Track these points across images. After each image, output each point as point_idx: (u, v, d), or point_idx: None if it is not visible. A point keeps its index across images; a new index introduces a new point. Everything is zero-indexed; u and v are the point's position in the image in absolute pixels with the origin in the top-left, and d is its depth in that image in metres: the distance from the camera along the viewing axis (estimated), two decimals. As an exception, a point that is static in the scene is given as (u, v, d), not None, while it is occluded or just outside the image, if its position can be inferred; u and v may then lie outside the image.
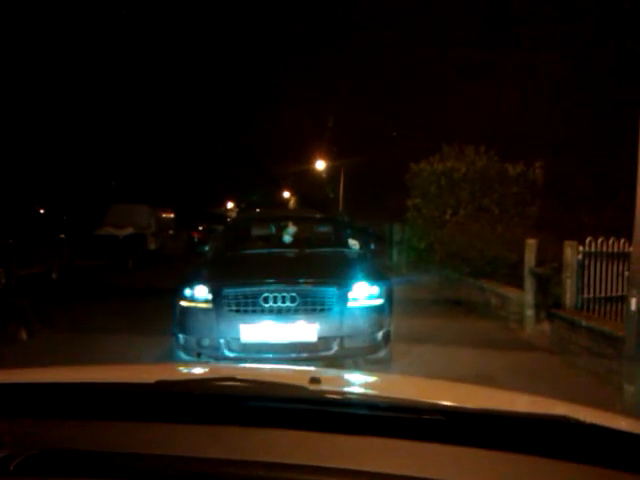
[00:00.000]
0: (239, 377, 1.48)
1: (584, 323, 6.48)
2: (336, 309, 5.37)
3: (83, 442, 1.27)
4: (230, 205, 50.93)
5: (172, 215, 24.91)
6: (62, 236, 15.89)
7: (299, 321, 5.31)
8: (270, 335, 5.31)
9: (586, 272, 7.15)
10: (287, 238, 7.36)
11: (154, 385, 1.45)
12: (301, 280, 5.60)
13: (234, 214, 35.18)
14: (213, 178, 42.44)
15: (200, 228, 30.02)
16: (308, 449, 1.24)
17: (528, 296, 8.26)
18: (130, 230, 20.03)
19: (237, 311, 5.40)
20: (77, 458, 1.21)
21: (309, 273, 5.78)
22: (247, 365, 3.67)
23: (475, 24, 16.86)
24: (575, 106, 13.24)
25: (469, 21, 17.14)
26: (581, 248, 7.15)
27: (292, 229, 7.52)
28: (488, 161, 12.07)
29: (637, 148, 4.85)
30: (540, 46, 14.23)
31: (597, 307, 7.18)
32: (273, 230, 7.79)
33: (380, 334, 5.48)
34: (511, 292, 8.89)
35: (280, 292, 5.39)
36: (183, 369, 2.55)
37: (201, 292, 5.56)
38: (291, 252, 6.83)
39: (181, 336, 5.56)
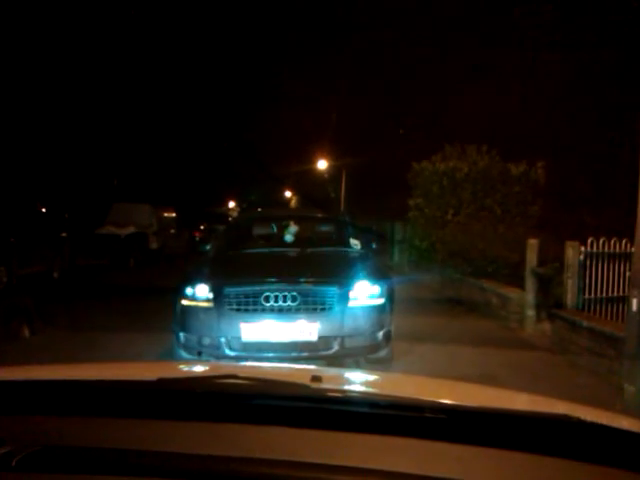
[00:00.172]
0: (240, 375, 1.48)
1: (585, 323, 6.48)
2: (337, 308, 5.38)
3: (85, 439, 1.27)
4: (231, 204, 50.94)
5: (173, 214, 24.93)
6: (63, 235, 15.90)
7: (300, 320, 5.31)
8: (271, 334, 5.31)
9: (587, 272, 7.15)
10: (288, 237, 7.36)
11: (155, 382, 1.45)
12: (302, 279, 5.61)
13: (235, 213, 35.18)
14: (214, 177, 42.47)
15: (201, 227, 30.03)
16: (309, 447, 1.24)
17: (529, 296, 8.26)
18: (132, 229, 20.05)
19: (238, 310, 5.40)
20: (78, 455, 1.21)
21: (310, 272, 5.78)
22: (248, 363, 3.68)
23: (476, 24, 16.85)
24: (577, 107, 13.23)
25: (470, 21, 17.13)
26: (583, 248, 7.15)
27: (293, 228, 7.52)
28: (490, 161, 12.07)
29: (638, 149, 4.85)
30: (542, 47, 14.21)
31: (598, 307, 7.18)
32: (274, 229, 7.79)
33: (381, 333, 5.48)
34: (512, 292, 8.90)
35: (281, 291, 5.39)
36: (184, 367, 2.56)
37: (202, 291, 5.56)
38: (292, 251, 6.83)
39: (182, 335, 5.56)
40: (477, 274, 10.67)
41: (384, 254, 17.22)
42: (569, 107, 13.47)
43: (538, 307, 8.17)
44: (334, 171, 31.67)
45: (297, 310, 5.36)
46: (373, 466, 1.16)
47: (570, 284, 7.12)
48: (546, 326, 7.82)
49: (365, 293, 5.52)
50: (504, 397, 1.79)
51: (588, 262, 7.16)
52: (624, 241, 7.19)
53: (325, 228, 7.86)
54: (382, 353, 5.57)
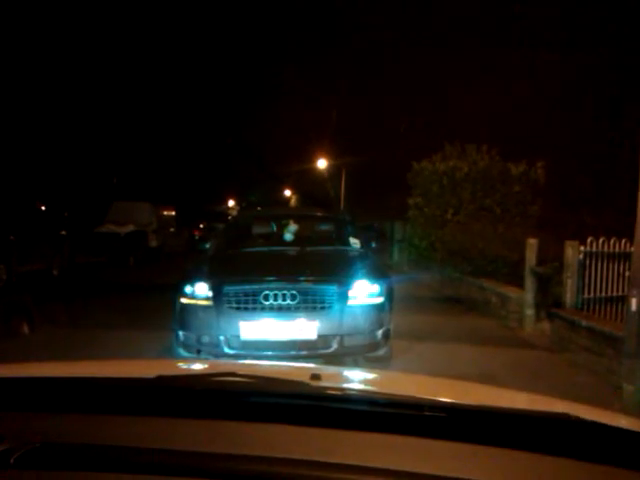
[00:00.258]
0: (239, 373, 1.48)
1: (584, 323, 6.48)
2: (336, 307, 5.38)
3: (83, 436, 1.27)
4: (231, 203, 50.96)
5: (173, 213, 24.94)
6: (63, 233, 15.90)
7: (299, 319, 5.31)
8: (270, 333, 5.31)
9: (587, 272, 7.15)
10: (288, 236, 7.36)
11: (154, 380, 1.45)
12: (301, 278, 5.60)
13: (235, 212, 35.20)
14: (214, 176, 42.48)
15: (201, 226, 30.05)
16: (308, 444, 1.24)
17: (528, 295, 8.27)
18: (131, 227, 20.06)
19: (237, 308, 5.40)
20: (77, 452, 1.21)
21: (310, 271, 5.78)
22: (247, 362, 3.67)
23: (476, 24, 16.85)
24: (577, 106, 13.24)
25: (470, 21, 17.13)
26: (582, 248, 7.15)
27: (293, 227, 7.52)
28: (490, 161, 12.07)
29: (638, 148, 4.85)
30: (542, 46, 14.22)
31: (597, 307, 7.18)
32: (274, 228, 7.79)
33: (380, 332, 5.48)
34: (512, 291, 8.90)
35: (280, 290, 5.39)
36: (183, 365, 2.56)
37: (201, 289, 5.56)
38: (292, 250, 6.83)
39: (181, 333, 5.56)
40: (476, 273, 10.67)
41: (384, 253, 17.23)
42: (569, 107, 13.48)
43: (537, 306, 8.17)
44: (334, 170, 31.67)
45: (296, 309, 5.36)
46: (372, 464, 1.16)
47: (569, 283, 7.12)
48: (545, 325, 7.83)
49: (364, 292, 5.52)
50: (503, 396, 1.79)
51: (587, 262, 7.16)
52: (623, 241, 7.19)
53: (325, 227, 7.86)
54: (381, 352, 5.57)
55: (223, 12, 29.58)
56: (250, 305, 5.39)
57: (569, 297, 7.12)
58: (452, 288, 11.76)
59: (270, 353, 5.34)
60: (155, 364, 2.39)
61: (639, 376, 4.76)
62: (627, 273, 6.61)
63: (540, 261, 8.35)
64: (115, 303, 9.76)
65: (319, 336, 5.28)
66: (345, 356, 5.52)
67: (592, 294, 7.18)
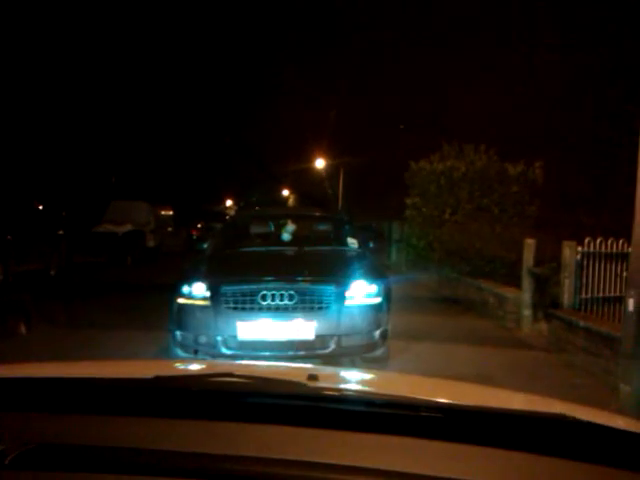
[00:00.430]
0: (237, 373, 1.48)
1: (581, 323, 6.49)
2: (334, 307, 5.37)
3: (80, 436, 1.27)
4: (229, 203, 50.94)
5: (171, 212, 24.94)
6: (61, 232, 15.88)
7: (297, 319, 5.30)
8: (267, 333, 5.31)
9: (584, 272, 7.16)
10: (286, 236, 7.36)
11: (152, 380, 1.45)
12: (299, 278, 5.60)
13: (233, 212, 35.17)
14: (212, 176, 42.47)
15: (199, 226, 30.03)
16: (305, 445, 1.24)
17: (526, 296, 8.27)
18: (129, 227, 20.04)
19: (235, 309, 5.39)
20: (73, 452, 1.21)
21: (307, 271, 5.78)
22: (244, 362, 3.67)
23: (475, 24, 16.86)
24: (575, 107, 13.25)
25: (469, 21, 17.15)
26: (580, 248, 7.16)
27: (291, 227, 7.52)
28: (488, 161, 12.08)
29: (637, 149, 4.85)
30: (541, 46, 14.24)
31: (595, 307, 7.19)
32: (272, 228, 7.79)
33: (378, 332, 5.48)
34: (509, 291, 8.91)
35: (278, 290, 5.39)
36: (180, 365, 2.56)
37: (199, 289, 5.55)
38: (290, 250, 6.83)
39: (178, 333, 5.55)
40: (474, 273, 10.68)
41: (382, 253, 17.24)
42: (567, 107, 13.50)
43: (535, 307, 8.18)
44: (332, 170, 31.68)
45: (294, 309, 5.35)
46: (369, 465, 1.16)
47: (567, 284, 7.13)
48: (543, 326, 7.84)
49: (362, 292, 5.52)
50: (500, 396, 1.79)
51: (585, 262, 7.17)
52: (621, 241, 7.20)
53: (323, 227, 7.86)
54: (378, 352, 5.57)
55: (223, 12, 29.57)
56: (248, 305, 5.39)
57: (566, 297, 7.12)
58: (450, 288, 11.77)
59: (267, 353, 5.33)
60: (152, 364, 2.39)
61: (636, 377, 4.76)
62: (624, 273, 6.62)
63: (538, 261, 8.36)
64: (112, 303, 9.75)
65: (317, 336, 5.27)
66: (342, 356, 5.51)
67: (589, 294, 7.19)
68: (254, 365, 2.68)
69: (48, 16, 23.20)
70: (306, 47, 25.15)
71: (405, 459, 1.19)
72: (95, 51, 25.06)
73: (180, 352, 5.55)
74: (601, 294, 7.26)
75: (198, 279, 5.67)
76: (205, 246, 7.33)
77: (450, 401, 1.44)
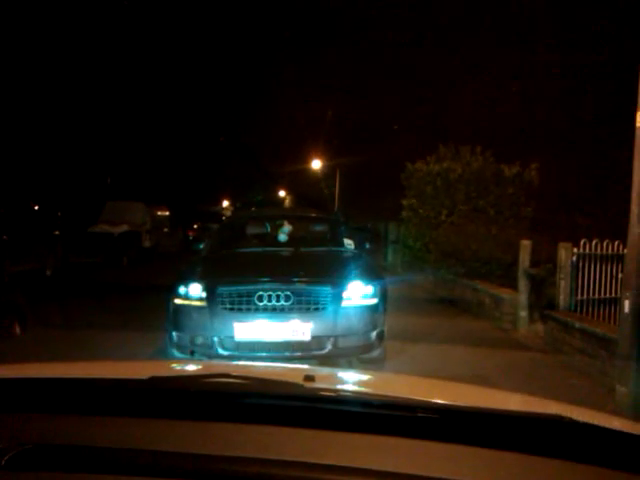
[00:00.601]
0: (233, 374, 1.47)
1: (577, 324, 6.50)
2: (330, 308, 5.37)
3: (77, 437, 1.27)
4: (225, 203, 50.93)
5: (167, 213, 24.92)
6: (56, 233, 15.85)
7: (293, 320, 5.30)
8: (264, 334, 5.30)
9: (580, 274, 7.18)
10: (282, 237, 7.36)
11: (148, 381, 1.44)
12: (296, 279, 5.60)
13: (229, 212, 35.14)
14: (209, 176, 42.44)
15: (195, 226, 30.01)
16: (302, 446, 1.24)
17: (522, 297, 8.29)
18: (125, 227, 20.01)
19: (231, 309, 5.39)
20: (70, 453, 1.21)
21: (304, 272, 5.78)
22: (241, 363, 3.67)
23: (473, 25, 16.89)
24: (571, 108, 13.28)
25: (467, 22, 17.18)
26: (575, 250, 7.17)
27: (287, 228, 7.51)
28: (484, 162, 12.10)
29: (633, 150, 4.87)
30: (538, 47, 14.27)
31: (591, 309, 7.21)
32: (268, 229, 7.79)
33: (374, 333, 5.48)
34: (505, 293, 8.92)
35: (274, 291, 5.38)
36: (177, 366, 2.55)
37: (195, 290, 5.55)
38: (286, 251, 6.83)
39: (174, 334, 5.54)
40: (470, 275, 10.69)
41: (378, 254, 17.25)
42: (564, 107, 13.52)
43: (531, 308, 8.20)
44: (328, 171, 31.69)
45: (290, 310, 5.35)
46: (365, 465, 1.16)
47: (563, 285, 7.15)
48: (539, 327, 7.85)
49: (358, 293, 5.52)
50: (497, 397, 1.79)
51: (581, 263, 7.18)
52: (616, 243, 7.22)
53: (319, 228, 7.86)
54: (375, 353, 5.57)
55: (219, 12, 29.55)
56: (244, 306, 5.38)
57: (562, 299, 7.14)
58: (446, 289, 11.78)
59: (264, 354, 5.33)
60: (149, 365, 2.38)
61: (632, 378, 4.77)
62: (620, 275, 6.64)
63: (534, 263, 8.37)
64: (108, 303, 9.73)
65: (313, 337, 5.27)
66: (339, 357, 5.51)
67: (585, 296, 7.20)
68: (251, 366, 2.68)
69: (45, 16, 23.16)
70: (302, 48, 25.17)
71: (401, 460, 1.19)
72: (92, 51, 25.03)
73: (176, 353, 5.55)
74: (597, 295, 7.28)
75: (194, 280, 5.67)
76: (201, 247, 7.33)
77: (447, 402, 1.44)
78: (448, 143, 12.78)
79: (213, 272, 6.01)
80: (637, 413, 4.59)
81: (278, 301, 5.36)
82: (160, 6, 25.37)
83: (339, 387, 1.71)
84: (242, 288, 5.44)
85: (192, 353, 5.46)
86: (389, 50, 20.34)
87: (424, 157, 12.89)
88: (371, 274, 6.00)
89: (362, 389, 1.77)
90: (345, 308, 5.41)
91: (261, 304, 5.36)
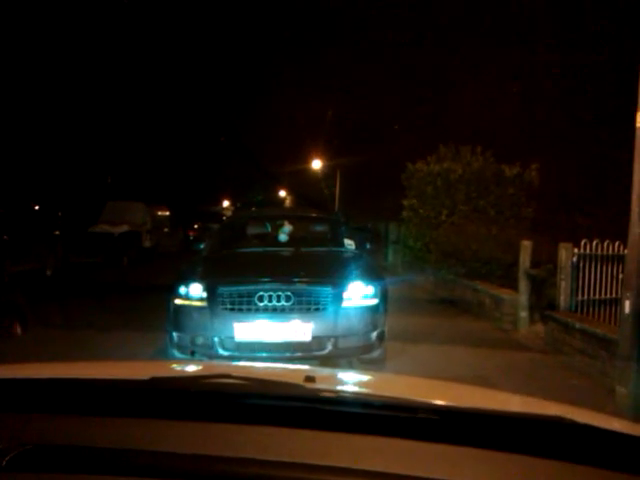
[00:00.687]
0: (234, 375, 1.47)
1: (578, 325, 6.50)
2: (331, 309, 5.37)
3: (77, 438, 1.27)
4: (226, 203, 50.93)
5: (167, 213, 24.91)
6: (57, 233, 15.85)
7: (294, 320, 5.30)
8: (264, 334, 5.30)
9: (580, 274, 7.17)
10: (283, 237, 7.35)
11: (148, 382, 1.44)
12: (296, 279, 5.60)
13: (230, 212, 35.14)
14: (209, 176, 42.43)
15: (195, 226, 30.00)
16: (303, 447, 1.24)
17: (522, 297, 8.28)
18: (125, 228, 20.01)
19: (232, 310, 5.39)
20: (70, 454, 1.21)
21: (304, 272, 5.78)
22: (241, 363, 3.67)
23: (473, 25, 16.88)
24: (572, 108, 13.28)
25: (466, 22, 17.17)
26: (576, 250, 7.17)
27: (287, 228, 7.51)
28: (484, 162, 12.10)
29: (633, 151, 4.87)
30: (538, 47, 14.26)
31: (591, 309, 7.20)
32: (269, 229, 7.79)
33: (374, 334, 5.48)
34: (505, 293, 8.91)
35: (275, 291, 5.38)
36: (177, 366, 2.55)
37: (196, 290, 5.54)
38: (286, 251, 6.82)
39: (175, 334, 5.54)
40: (470, 275, 10.69)
41: (378, 254, 17.25)
42: (563, 109, 13.52)
43: (531, 308, 8.20)
44: (329, 171, 31.70)
45: (291, 310, 5.35)
46: (366, 467, 1.16)
47: (563, 286, 7.14)
48: (539, 327, 7.85)
49: (359, 293, 5.52)
50: (497, 398, 1.80)
51: (581, 264, 7.18)
52: (617, 243, 7.21)
53: (319, 228, 7.86)
54: (375, 354, 5.57)
55: (220, 12, 29.55)
56: (244, 306, 5.38)
57: (563, 299, 7.13)
58: (446, 290, 11.78)
59: (264, 355, 5.33)
60: (149, 366, 2.38)
61: (632, 379, 4.77)
62: (621, 275, 6.63)
63: (534, 263, 8.37)
64: (109, 304, 9.73)
65: (313, 338, 5.27)
66: (339, 358, 5.51)
67: (586, 296, 7.20)
68: (251, 366, 2.68)
69: (46, 16, 23.16)
70: (302, 48, 25.17)
71: (402, 461, 1.19)
72: (91, 52, 25.03)
73: (177, 353, 5.55)
74: (597, 296, 7.28)
75: (195, 280, 5.67)
76: (202, 247, 7.33)
77: (447, 403, 1.44)
78: (448, 143, 12.78)
79: (213, 272, 6.01)
80: (637, 414, 4.59)
81: (279, 301, 5.36)
82: (161, 6, 25.39)
83: (340, 388, 1.71)
84: (242, 288, 5.44)
85: (192, 353, 5.46)
86: (389, 50, 20.34)
87: (424, 157, 12.89)
88: (372, 274, 6.00)
89: (363, 390, 1.77)
90: (346, 308, 5.41)
91: (261, 304, 5.36)
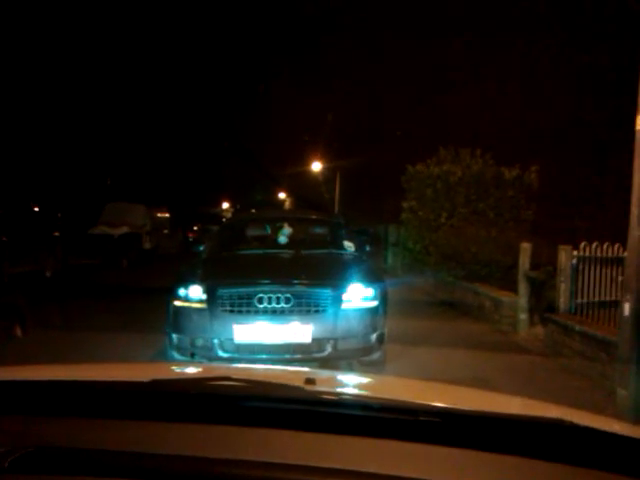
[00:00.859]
0: (234, 377, 1.48)
1: (577, 327, 6.50)
2: (330, 310, 5.37)
3: (77, 440, 1.27)
4: (226, 205, 50.94)
5: (167, 214, 24.91)
6: (56, 234, 15.84)
7: (293, 322, 5.30)
8: (264, 336, 5.30)
9: (580, 276, 7.17)
10: (282, 239, 7.35)
11: (148, 384, 1.44)
12: (296, 281, 5.60)
13: (229, 214, 35.13)
14: (209, 178, 42.42)
15: (195, 228, 30.01)
16: (303, 449, 1.24)
17: (522, 300, 8.29)
18: (125, 229, 20.01)
19: (231, 311, 5.39)
20: (71, 456, 1.21)
21: (304, 274, 5.77)
22: (241, 365, 3.67)
23: (472, 27, 16.90)
24: (572, 110, 13.29)
25: (466, 24, 17.18)
26: (575, 253, 7.17)
27: (287, 230, 7.51)
28: (484, 165, 12.10)
29: (633, 153, 4.87)
30: (538, 48, 14.28)
31: (591, 312, 7.20)
32: (268, 231, 7.79)
33: (374, 336, 5.48)
34: (505, 296, 8.91)
35: (275, 293, 5.38)
36: (177, 368, 2.55)
37: (195, 292, 5.54)
38: (286, 253, 6.82)
39: (174, 336, 5.54)
40: (470, 277, 10.69)
41: (378, 256, 17.24)
42: (563, 110, 13.53)
43: (531, 311, 8.20)
44: (328, 173, 31.69)
45: (291, 312, 5.35)
46: (366, 469, 1.16)
47: (563, 288, 7.14)
48: (539, 330, 7.85)
49: (359, 295, 5.52)
50: (497, 401, 1.80)
51: (581, 266, 7.18)
52: (616, 245, 7.21)
53: (319, 230, 7.86)
54: (375, 356, 5.56)
55: (220, 14, 29.59)
56: (244, 308, 5.38)
57: (562, 302, 7.14)
58: (446, 292, 11.77)
59: (264, 356, 5.33)
60: (149, 368, 2.38)
61: (632, 381, 4.77)
62: (620, 278, 6.63)
63: (534, 265, 8.37)
64: (108, 305, 9.73)
65: (313, 339, 5.27)
66: (339, 360, 5.51)
67: (585, 299, 7.20)
68: (251, 368, 2.68)
69: (46, 17, 23.18)
70: (304, 49, 25.20)
71: (402, 464, 1.20)
72: (92, 53, 25.04)
73: (176, 355, 5.54)
74: (597, 298, 7.28)
75: (194, 282, 5.66)
76: (201, 248, 7.32)
77: (447, 405, 1.44)
78: (448, 146, 12.79)
79: (213, 274, 6.01)
80: (637, 416, 4.59)
81: (278, 303, 5.36)
82: (163, 8, 25.42)
83: (340, 390, 1.71)
84: (242, 290, 5.44)
85: (192, 355, 5.46)
86: (389, 51, 20.35)
87: (424, 160, 12.89)
88: (371, 276, 6.00)
89: (363, 392, 1.77)
90: (345, 310, 5.41)
91: (261, 306, 5.35)
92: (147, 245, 21.53)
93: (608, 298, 7.30)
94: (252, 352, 5.33)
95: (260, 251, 6.93)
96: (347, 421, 1.32)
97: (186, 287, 5.58)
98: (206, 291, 5.50)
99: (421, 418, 1.29)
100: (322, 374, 2.46)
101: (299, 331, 5.27)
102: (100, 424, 1.34)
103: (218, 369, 2.38)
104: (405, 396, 1.52)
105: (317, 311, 5.39)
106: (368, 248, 7.60)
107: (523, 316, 8.22)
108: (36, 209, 22.59)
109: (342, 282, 5.56)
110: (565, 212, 12.58)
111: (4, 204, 15.76)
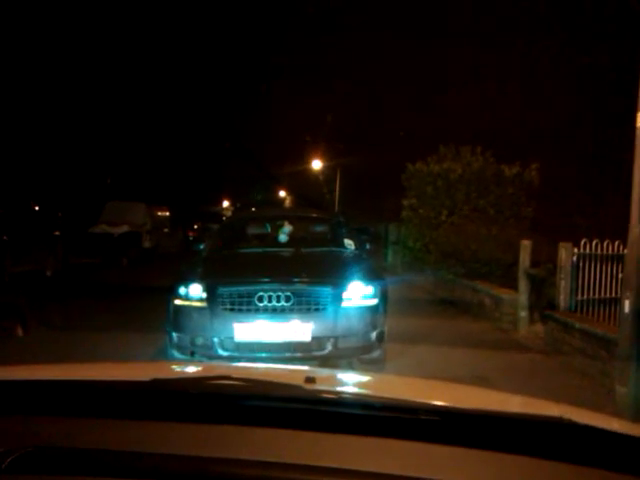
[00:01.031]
0: (234, 376, 1.47)
1: (577, 325, 6.50)
2: (330, 309, 5.37)
3: (77, 440, 1.27)
4: (226, 204, 50.95)
5: (167, 213, 24.92)
6: (57, 233, 15.85)
7: (293, 320, 5.30)
8: (264, 334, 5.30)
9: (580, 274, 7.17)
10: (282, 237, 7.35)
11: (149, 383, 1.44)
12: (296, 279, 5.60)
13: (230, 213, 35.14)
14: (209, 177, 42.42)
15: (195, 227, 30.01)
16: (303, 448, 1.24)
17: (522, 297, 8.28)
18: (125, 228, 20.02)
19: (231, 310, 5.39)
20: (71, 456, 1.21)
21: (304, 272, 5.78)
22: (241, 364, 3.67)
23: (472, 26, 16.88)
24: (572, 108, 13.28)
25: (466, 23, 17.16)
26: (576, 250, 7.17)
27: (287, 228, 7.51)
28: (484, 162, 12.10)
29: (633, 151, 4.87)
30: (538, 48, 14.26)
31: (591, 309, 7.21)
32: (268, 229, 7.79)
33: (374, 334, 5.48)
34: (505, 293, 8.92)
35: (275, 291, 5.38)
36: (178, 367, 2.55)
37: (195, 290, 5.54)
38: (286, 251, 6.83)
39: (175, 335, 5.54)
40: (470, 275, 10.69)
41: (378, 255, 17.25)
42: (564, 109, 13.52)
43: (531, 308, 8.19)
44: (329, 171, 31.70)
45: (291, 310, 5.35)
46: (366, 468, 1.16)
47: (563, 285, 7.14)
48: (539, 327, 7.85)
49: (359, 294, 5.52)
50: (497, 399, 1.80)
51: (581, 263, 7.18)
52: (617, 243, 7.22)
53: (319, 228, 7.86)
54: (375, 354, 5.56)
55: (220, 13, 29.58)
56: (244, 306, 5.38)
57: (563, 299, 7.14)
58: (446, 290, 11.78)
59: (264, 355, 5.33)
60: (149, 367, 2.38)
61: (632, 378, 4.77)
62: (620, 275, 6.64)
63: (534, 263, 8.37)
64: (109, 304, 9.73)
65: (313, 338, 5.27)
66: (339, 358, 5.51)
67: (586, 296, 7.20)
68: (251, 367, 2.68)
69: (46, 17, 23.16)
70: (304, 49, 25.19)
71: (403, 462, 1.20)
72: (92, 52, 25.02)
73: (177, 354, 5.54)
74: (597, 296, 7.28)
75: (194, 280, 5.66)
76: (201, 247, 7.32)
77: (448, 404, 1.44)
78: (448, 144, 12.79)
79: (213, 272, 6.01)
80: (637, 414, 4.59)
81: (278, 301, 5.36)
82: (164, 8, 25.41)
83: (340, 389, 1.71)
84: (242, 289, 5.44)
85: (192, 354, 5.46)
86: (390, 50, 20.34)
87: (425, 158, 12.89)
88: (371, 275, 5.99)
89: (363, 391, 1.77)
90: (345, 309, 5.41)
91: (261, 305, 5.35)
92: (147, 244, 21.54)
93: (608, 295, 7.31)
94: (252, 351, 5.34)
95: (260, 249, 6.93)
96: (347, 420, 1.32)
97: (186, 286, 5.59)
98: (206, 290, 5.50)
99: (421, 417, 1.30)
100: (322, 373, 2.46)
101: (299, 329, 5.27)
102: (100, 424, 1.34)
103: (218, 368, 2.38)
104: (405, 395, 1.52)
105: (317, 309, 5.39)
106: (368, 246, 7.60)
107: (523, 314, 8.21)
108: (36, 208, 22.61)
109: (342, 280, 5.56)
110: (565, 209, 12.58)
111: (4, 203, 15.78)
